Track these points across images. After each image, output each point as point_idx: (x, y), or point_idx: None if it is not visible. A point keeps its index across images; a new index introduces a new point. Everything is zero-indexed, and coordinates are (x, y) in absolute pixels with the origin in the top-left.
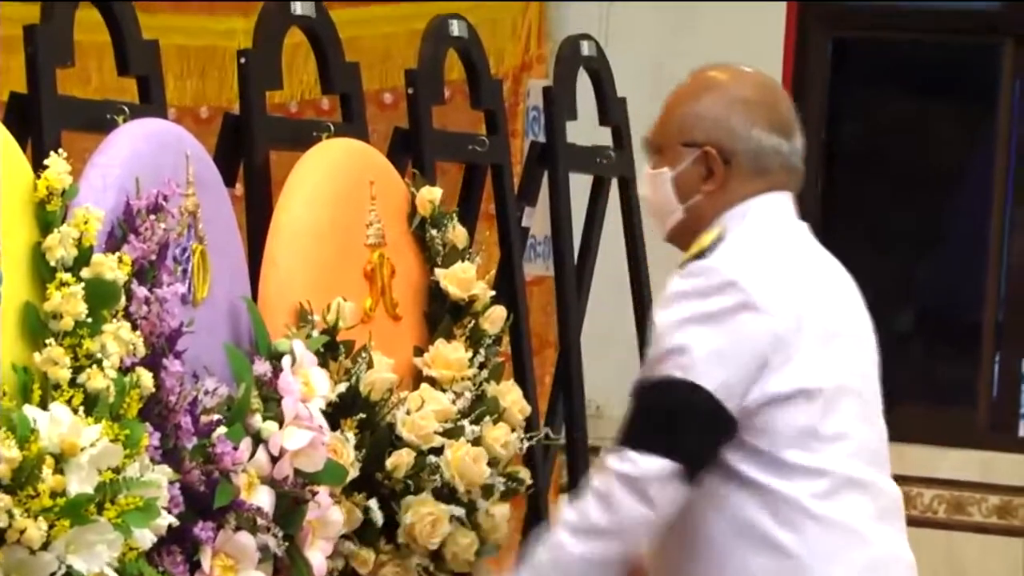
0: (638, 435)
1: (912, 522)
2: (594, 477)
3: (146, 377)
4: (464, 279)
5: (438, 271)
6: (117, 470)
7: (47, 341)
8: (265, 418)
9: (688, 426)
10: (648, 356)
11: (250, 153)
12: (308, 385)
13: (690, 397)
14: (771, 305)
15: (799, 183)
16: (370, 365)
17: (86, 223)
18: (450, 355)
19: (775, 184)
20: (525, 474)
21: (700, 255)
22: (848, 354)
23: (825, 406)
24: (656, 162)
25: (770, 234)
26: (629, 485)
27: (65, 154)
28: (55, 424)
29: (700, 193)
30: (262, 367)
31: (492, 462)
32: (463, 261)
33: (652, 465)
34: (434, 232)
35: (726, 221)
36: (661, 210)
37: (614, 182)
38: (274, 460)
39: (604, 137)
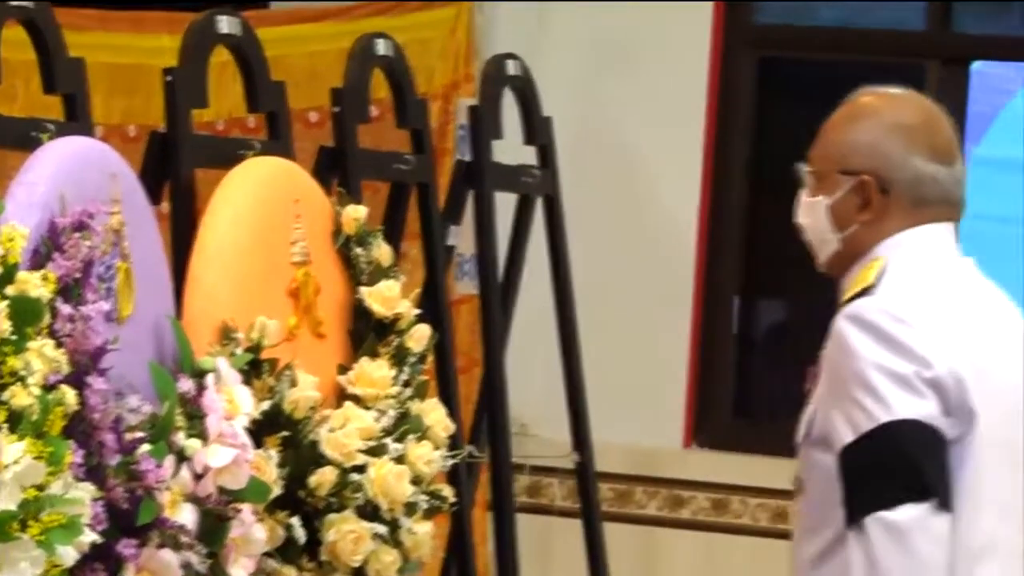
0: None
1: None
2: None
3: (70, 395)
4: (389, 297)
5: (363, 289)
6: (41, 487)
7: None
8: (189, 436)
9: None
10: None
11: (175, 171)
12: (232, 403)
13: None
14: (932, 355)
15: (960, 213)
16: (294, 383)
17: (11, 240)
18: (374, 373)
19: (935, 215)
20: (449, 492)
21: (865, 292)
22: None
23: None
24: (813, 189)
25: (931, 270)
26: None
27: None
28: None
29: (856, 223)
30: (186, 385)
31: (415, 480)
32: (388, 279)
33: (912, 512)
34: (359, 250)
35: (884, 252)
36: (818, 239)
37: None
38: (198, 477)
39: (531, 156)
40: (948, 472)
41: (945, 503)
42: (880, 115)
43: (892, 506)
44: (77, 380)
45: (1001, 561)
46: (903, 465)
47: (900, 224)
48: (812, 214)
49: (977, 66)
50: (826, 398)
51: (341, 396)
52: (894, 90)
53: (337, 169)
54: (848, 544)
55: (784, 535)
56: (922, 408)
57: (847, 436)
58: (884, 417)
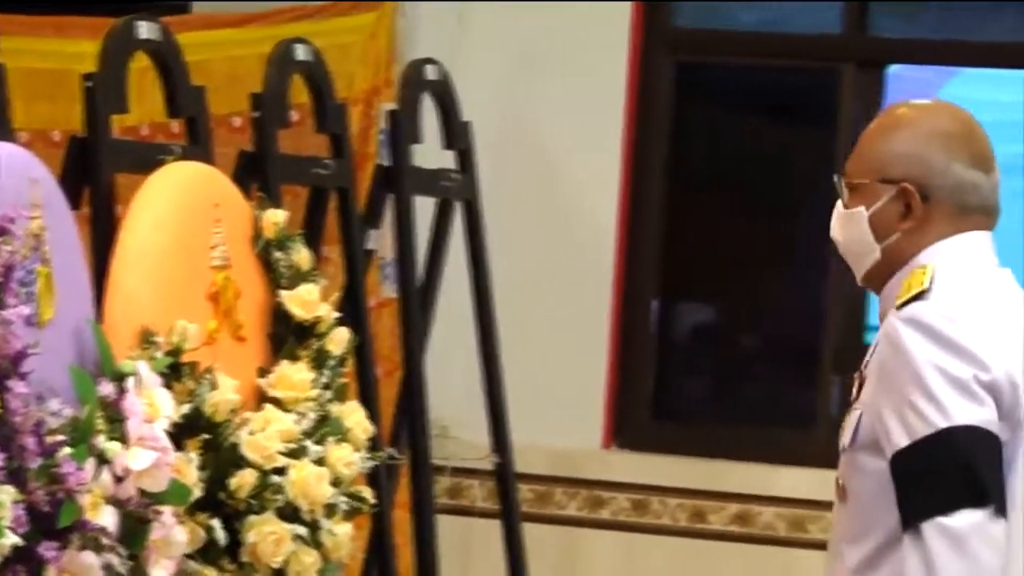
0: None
1: (752, 540)
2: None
3: None
4: (308, 301)
5: (283, 293)
6: None
7: None
8: (110, 439)
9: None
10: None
11: (95, 176)
12: (152, 406)
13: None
14: (990, 358)
15: (996, 221)
16: (214, 386)
17: None
18: (294, 376)
19: (976, 224)
20: (369, 494)
21: (919, 296)
22: None
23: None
24: (850, 201)
25: (976, 277)
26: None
27: None
28: None
29: (898, 232)
30: (107, 388)
31: (335, 482)
32: (308, 283)
33: (971, 518)
34: (279, 254)
35: (928, 259)
36: (856, 251)
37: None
38: (118, 480)
39: (451, 160)
40: (1003, 478)
41: (1002, 509)
42: (918, 124)
43: (950, 511)
44: None
45: None
46: (961, 471)
47: (942, 232)
48: (850, 225)
49: (893, 69)
50: (878, 401)
51: (261, 399)
52: (928, 101)
53: (257, 173)
54: (904, 549)
55: (702, 535)
56: (980, 414)
57: (902, 440)
58: (942, 423)
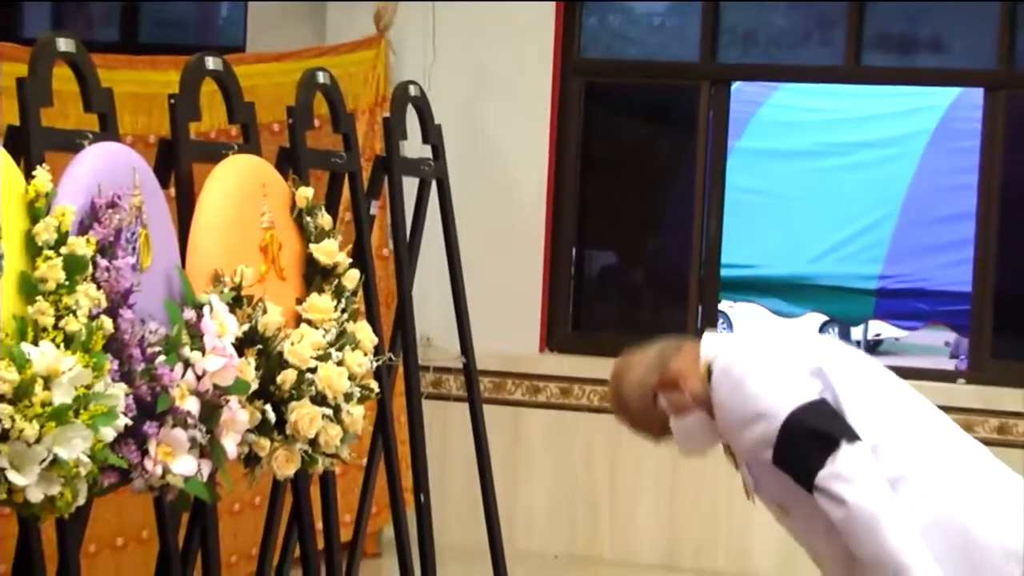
0: None
1: None
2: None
3: (108, 322)
4: (330, 251)
5: (312, 246)
6: (88, 387)
7: (36, 298)
8: (192, 349)
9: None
10: None
11: (178, 166)
12: (222, 326)
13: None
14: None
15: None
16: (265, 311)
17: (63, 216)
18: (321, 304)
19: (691, 340)
20: (374, 385)
21: (710, 371)
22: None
23: None
24: (669, 433)
25: (735, 336)
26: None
27: (48, 167)
28: (43, 356)
29: (686, 392)
30: (189, 314)
31: (351, 377)
32: (329, 239)
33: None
34: (308, 219)
35: (702, 361)
36: (704, 435)
37: (434, 184)
38: (199, 378)
39: (427, 151)
40: (842, 417)
41: (852, 436)
42: (616, 386)
43: (822, 465)
44: (112, 312)
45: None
46: (811, 435)
47: (690, 360)
48: (685, 430)
49: (736, 85)
50: (741, 442)
51: (298, 320)
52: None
53: (292, 163)
54: (819, 503)
55: (609, 411)
56: (802, 393)
57: (767, 447)
58: (783, 414)
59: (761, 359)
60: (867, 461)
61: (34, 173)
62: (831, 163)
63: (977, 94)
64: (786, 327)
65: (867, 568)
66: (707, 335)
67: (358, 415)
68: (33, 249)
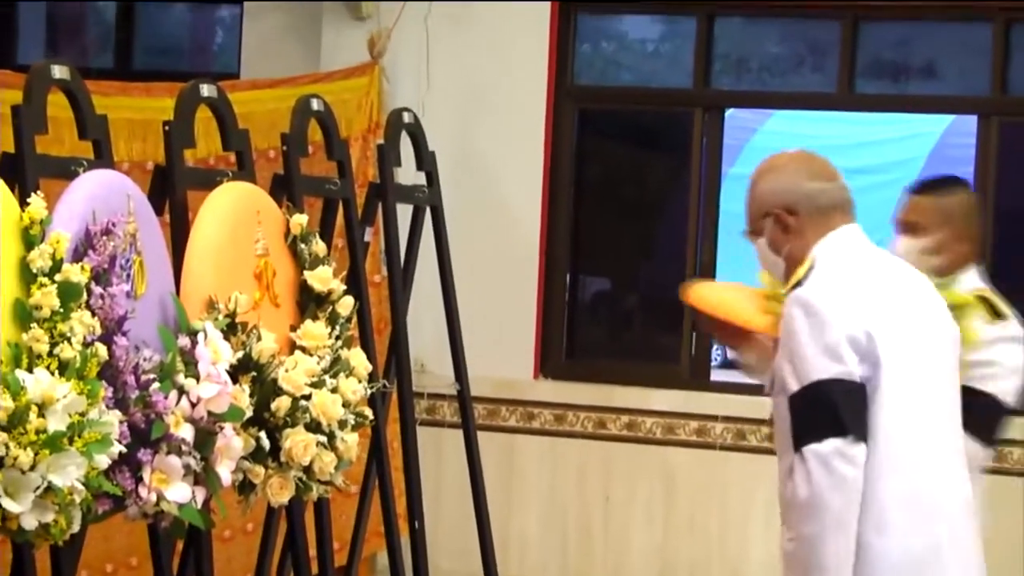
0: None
1: (638, 441)
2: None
3: (102, 349)
4: (324, 278)
5: (306, 273)
6: (82, 414)
7: (31, 325)
8: (187, 376)
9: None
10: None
11: (173, 193)
12: (216, 353)
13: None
14: (847, 321)
15: (853, 214)
16: (259, 338)
17: (58, 242)
18: (315, 331)
19: (840, 219)
20: (368, 412)
21: (797, 285)
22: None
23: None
24: (755, 238)
25: (847, 259)
26: (823, 465)
27: (42, 194)
28: (38, 383)
29: (787, 243)
30: (183, 341)
31: (345, 404)
32: (323, 265)
33: (834, 444)
34: (302, 246)
35: (813, 254)
36: (771, 266)
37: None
38: (193, 405)
39: (422, 178)
40: (864, 413)
41: (861, 436)
42: (769, 169)
43: (821, 439)
44: (107, 339)
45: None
46: (828, 410)
47: (816, 232)
48: (762, 253)
49: (729, 112)
50: (780, 360)
51: (292, 347)
52: (773, 154)
53: (286, 189)
54: (794, 464)
55: (603, 438)
56: (840, 369)
57: (794, 386)
58: (814, 377)
59: (833, 316)
60: (856, 467)
61: (29, 200)
62: None
63: (971, 121)
64: (890, 277)
65: (791, 538)
66: (846, 230)
67: (352, 442)
68: (28, 276)
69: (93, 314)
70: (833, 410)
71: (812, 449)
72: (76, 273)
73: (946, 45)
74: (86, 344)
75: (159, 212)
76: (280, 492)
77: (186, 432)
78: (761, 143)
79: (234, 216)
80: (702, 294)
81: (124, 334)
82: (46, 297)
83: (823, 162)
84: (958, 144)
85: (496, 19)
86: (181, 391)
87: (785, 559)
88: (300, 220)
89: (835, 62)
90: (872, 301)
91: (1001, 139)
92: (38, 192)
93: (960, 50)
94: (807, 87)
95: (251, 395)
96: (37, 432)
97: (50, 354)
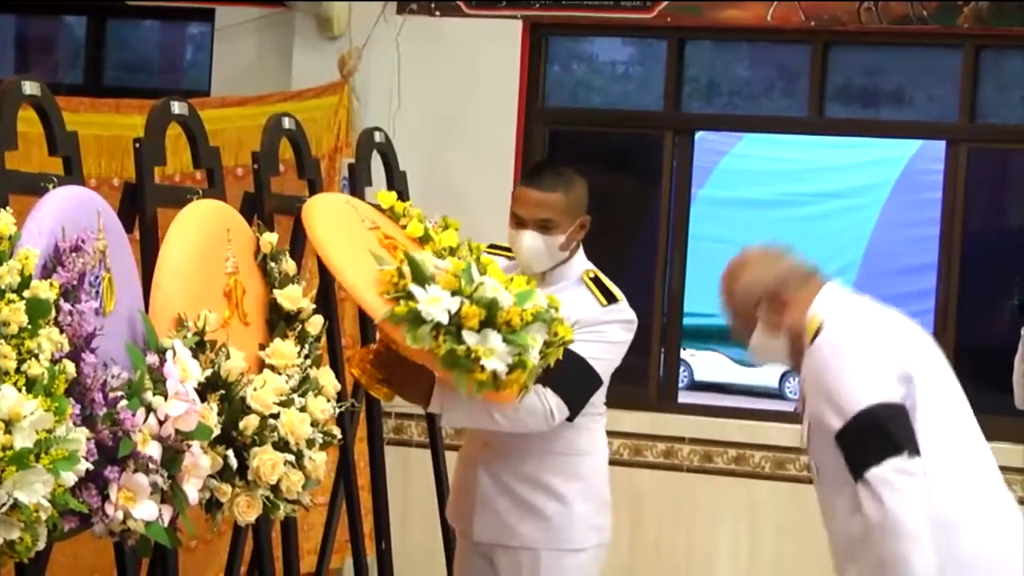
0: None
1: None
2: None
3: (70, 366)
4: (294, 296)
5: (276, 291)
6: (49, 431)
7: None
8: (155, 394)
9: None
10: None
11: (143, 210)
12: (185, 371)
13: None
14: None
15: (822, 274)
16: (228, 357)
17: (26, 259)
18: (284, 349)
19: (820, 280)
20: (337, 431)
21: (819, 332)
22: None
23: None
24: (746, 335)
25: (851, 305)
26: (886, 483)
27: (11, 211)
28: (5, 399)
29: (784, 320)
30: (152, 358)
31: (313, 423)
32: (293, 284)
33: (893, 463)
34: (272, 264)
35: (815, 314)
36: (771, 354)
37: None
38: (161, 423)
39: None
40: (912, 430)
41: (915, 450)
42: (736, 269)
43: (879, 462)
44: (75, 356)
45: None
46: (880, 433)
47: (806, 298)
48: (763, 345)
49: (699, 135)
50: (818, 404)
51: (261, 365)
52: (741, 252)
53: (256, 208)
54: (859, 494)
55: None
56: (881, 393)
57: (837, 423)
58: (857, 407)
59: (864, 349)
60: (919, 480)
61: None
62: (794, 213)
63: (939, 146)
64: (894, 317)
65: (875, 564)
66: (830, 286)
67: (320, 461)
68: None
69: (61, 331)
70: (884, 431)
71: (873, 473)
72: (45, 290)
73: (915, 71)
74: (54, 361)
75: (128, 229)
76: (247, 511)
77: (154, 450)
78: (731, 166)
79: (204, 234)
80: (325, 237)
81: (92, 351)
82: (14, 313)
83: (776, 246)
84: (926, 169)
85: (467, 39)
86: (149, 409)
87: None
88: (270, 238)
89: (805, 87)
90: (891, 330)
91: (969, 165)
92: (7, 208)
93: (929, 76)
94: (777, 111)
95: (219, 413)
96: (3, 448)
97: (17, 371)
